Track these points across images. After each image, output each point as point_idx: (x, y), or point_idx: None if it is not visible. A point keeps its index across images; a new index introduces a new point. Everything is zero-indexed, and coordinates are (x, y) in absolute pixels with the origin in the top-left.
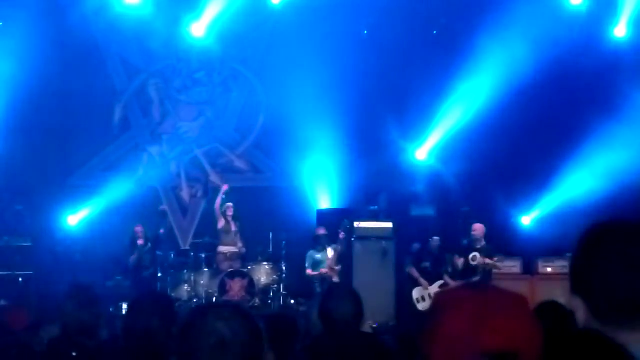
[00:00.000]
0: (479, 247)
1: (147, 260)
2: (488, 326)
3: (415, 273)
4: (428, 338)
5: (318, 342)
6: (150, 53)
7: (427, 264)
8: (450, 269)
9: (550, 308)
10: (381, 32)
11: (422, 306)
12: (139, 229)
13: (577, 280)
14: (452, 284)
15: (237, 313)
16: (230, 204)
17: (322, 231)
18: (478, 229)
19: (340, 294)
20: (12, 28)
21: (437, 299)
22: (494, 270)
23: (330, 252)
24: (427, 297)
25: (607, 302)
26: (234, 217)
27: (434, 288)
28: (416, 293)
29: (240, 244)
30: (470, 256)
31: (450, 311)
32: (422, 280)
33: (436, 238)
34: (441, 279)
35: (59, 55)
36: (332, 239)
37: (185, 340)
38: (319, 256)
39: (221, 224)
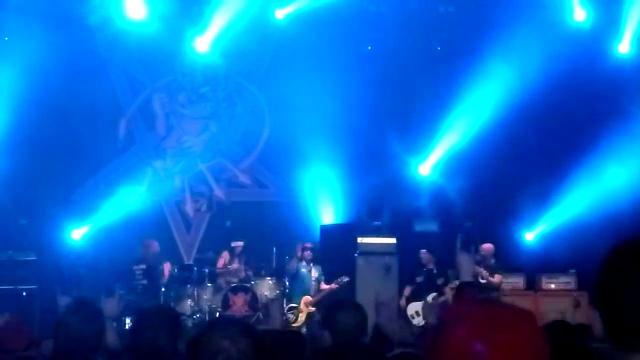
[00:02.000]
0: (487, 264)
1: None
2: (495, 341)
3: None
4: (434, 352)
5: (323, 355)
6: (154, 68)
7: (420, 279)
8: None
9: (558, 327)
10: (385, 48)
11: (417, 321)
12: (167, 266)
13: (597, 296)
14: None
15: (243, 331)
16: (241, 243)
17: (309, 245)
18: (487, 249)
19: (344, 306)
20: (16, 43)
21: (443, 313)
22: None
23: (314, 272)
24: (421, 312)
25: (623, 326)
26: (240, 254)
27: (429, 301)
28: (411, 309)
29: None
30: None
31: (457, 325)
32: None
33: (423, 250)
34: (436, 291)
35: (64, 70)
36: (324, 256)
37: (192, 358)
38: (304, 270)
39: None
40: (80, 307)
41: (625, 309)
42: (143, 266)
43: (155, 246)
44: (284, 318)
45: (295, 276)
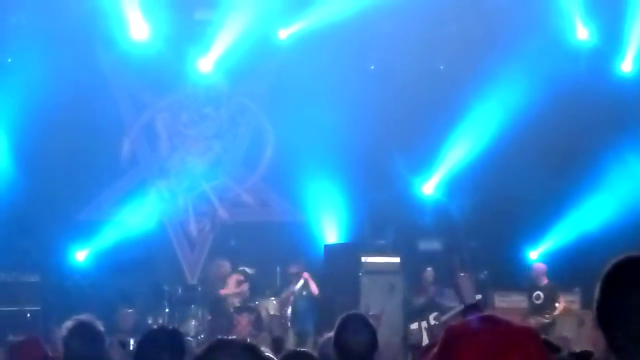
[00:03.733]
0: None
1: None
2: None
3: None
4: None
5: None
6: (158, 88)
7: (421, 299)
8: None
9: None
10: (388, 67)
11: (416, 339)
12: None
13: (598, 314)
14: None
15: (245, 350)
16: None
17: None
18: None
19: (355, 324)
20: (20, 63)
21: (450, 332)
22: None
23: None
24: (423, 330)
25: (624, 336)
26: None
27: (431, 321)
28: (412, 327)
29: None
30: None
31: (463, 346)
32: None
33: (429, 269)
34: (438, 310)
35: (67, 90)
36: (328, 276)
37: None
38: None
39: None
40: (81, 328)
41: (628, 324)
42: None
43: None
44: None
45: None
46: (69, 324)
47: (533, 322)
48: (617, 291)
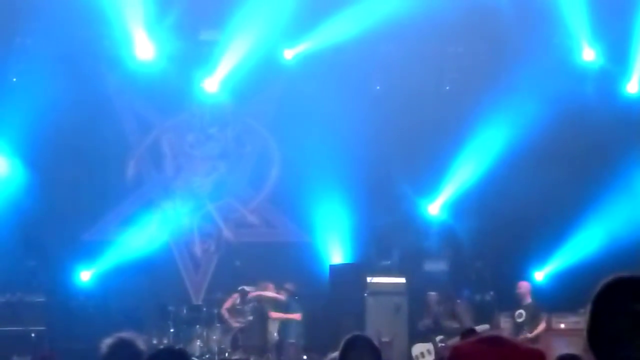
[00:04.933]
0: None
1: None
2: None
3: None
4: None
5: None
6: (163, 108)
7: (428, 322)
8: None
9: None
10: (394, 88)
11: None
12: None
13: (589, 336)
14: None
15: None
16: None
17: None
18: (523, 287)
19: (360, 345)
20: (26, 83)
21: (455, 353)
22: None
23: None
24: (426, 354)
25: (614, 358)
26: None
27: (436, 343)
28: (416, 349)
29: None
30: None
31: None
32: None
33: (433, 293)
34: (442, 333)
35: (73, 111)
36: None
37: None
38: None
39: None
40: (121, 347)
41: (620, 343)
42: None
43: None
44: None
45: None
46: (109, 340)
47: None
48: (606, 312)
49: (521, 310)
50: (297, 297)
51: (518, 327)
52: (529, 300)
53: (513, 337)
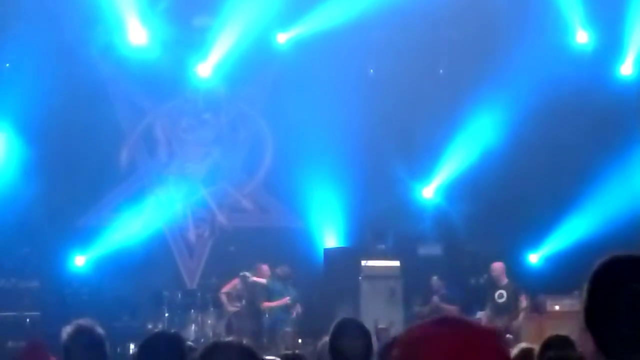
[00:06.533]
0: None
1: None
2: None
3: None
4: None
5: None
6: (156, 93)
7: (426, 309)
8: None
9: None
10: (387, 71)
11: None
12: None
13: (587, 315)
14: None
15: (243, 353)
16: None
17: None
18: (496, 268)
19: (350, 329)
20: (18, 70)
21: (410, 336)
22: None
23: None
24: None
25: (611, 337)
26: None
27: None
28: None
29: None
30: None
31: (425, 352)
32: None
33: (435, 277)
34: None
35: (66, 97)
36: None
37: None
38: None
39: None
40: (81, 333)
41: (615, 324)
42: None
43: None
44: None
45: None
46: (68, 328)
47: (499, 323)
48: (604, 292)
49: (501, 291)
50: (291, 281)
51: (500, 308)
52: (505, 280)
53: (495, 319)
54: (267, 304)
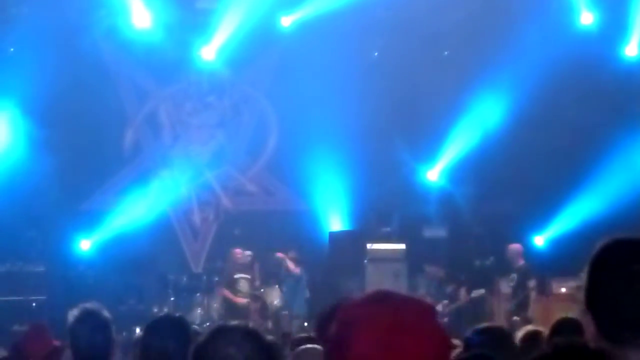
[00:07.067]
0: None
1: None
2: (397, 346)
3: None
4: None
5: None
6: (160, 76)
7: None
8: None
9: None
10: (391, 54)
11: None
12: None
13: (587, 298)
14: None
15: (249, 336)
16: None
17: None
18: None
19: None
20: (23, 53)
21: (344, 315)
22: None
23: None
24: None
25: (611, 319)
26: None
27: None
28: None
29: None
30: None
31: (359, 331)
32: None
33: (428, 268)
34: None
35: (70, 80)
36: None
37: None
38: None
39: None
40: (87, 316)
41: (617, 304)
42: None
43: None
44: None
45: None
46: (74, 312)
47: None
48: (604, 275)
49: (513, 274)
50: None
51: (512, 291)
52: (520, 262)
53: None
54: (226, 293)
